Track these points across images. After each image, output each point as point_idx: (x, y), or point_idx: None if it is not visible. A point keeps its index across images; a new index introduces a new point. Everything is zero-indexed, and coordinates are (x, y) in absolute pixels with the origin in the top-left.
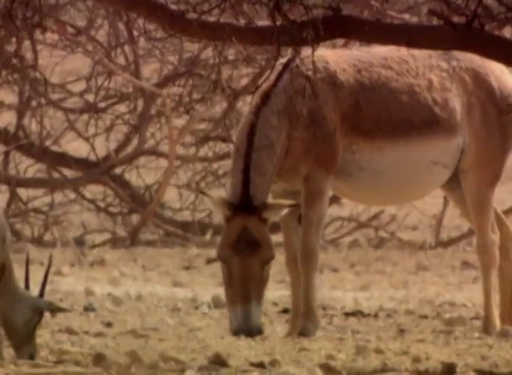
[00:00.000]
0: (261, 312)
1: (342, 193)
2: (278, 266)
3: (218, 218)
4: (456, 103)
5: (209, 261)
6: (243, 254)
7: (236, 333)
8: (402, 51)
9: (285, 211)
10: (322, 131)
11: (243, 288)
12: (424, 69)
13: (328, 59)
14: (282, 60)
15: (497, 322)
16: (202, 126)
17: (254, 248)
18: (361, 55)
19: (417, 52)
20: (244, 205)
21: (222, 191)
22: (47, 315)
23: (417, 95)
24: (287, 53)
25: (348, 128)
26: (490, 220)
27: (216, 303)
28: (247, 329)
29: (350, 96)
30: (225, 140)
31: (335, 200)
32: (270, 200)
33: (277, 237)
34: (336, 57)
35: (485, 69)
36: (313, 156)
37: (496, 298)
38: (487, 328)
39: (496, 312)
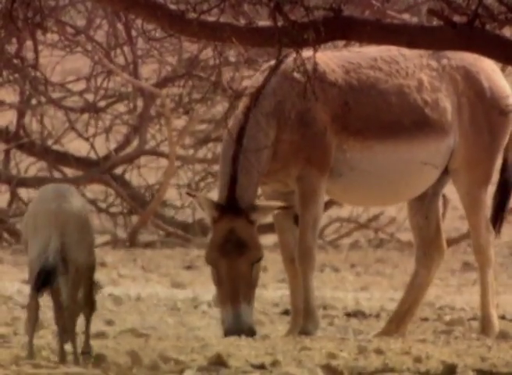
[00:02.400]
0: (252, 312)
1: (332, 193)
2: (278, 266)
3: None
4: (447, 103)
5: None
6: (231, 255)
7: (227, 334)
8: (392, 51)
9: (274, 212)
10: (312, 132)
11: (233, 289)
12: (415, 69)
13: (317, 60)
14: (271, 62)
15: (496, 322)
16: (202, 126)
17: (242, 249)
18: (351, 56)
19: (407, 52)
20: (231, 207)
21: None
22: (47, 316)
23: (406, 96)
24: (288, 54)
25: (338, 128)
26: (484, 220)
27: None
28: (239, 329)
29: (339, 96)
30: None
31: (334, 201)
32: (260, 201)
33: (276, 238)
34: (326, 58)
35: (476, 68)
36: (304, 157)
37: (494, 298)
38: (485, 329)
39: (494, 313)
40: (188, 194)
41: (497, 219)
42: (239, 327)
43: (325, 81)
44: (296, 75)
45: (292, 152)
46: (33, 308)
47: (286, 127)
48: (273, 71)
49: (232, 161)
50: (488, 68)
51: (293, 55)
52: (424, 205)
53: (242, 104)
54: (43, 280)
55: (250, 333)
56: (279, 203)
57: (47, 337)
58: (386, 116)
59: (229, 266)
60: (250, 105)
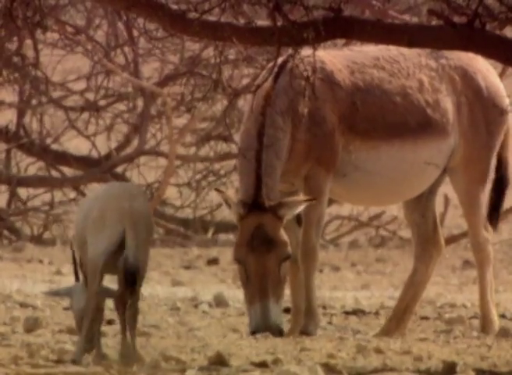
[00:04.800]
0: (281, 311)
1: (334, 194)
2: None
3: (220, 216)
4: (448, 103)
5: (210, 261)
6: (259, 252)
7: (255, 331)
8: (392, 51)
9: (301, 207)
10: (322, 132)
11: (261, 286)
12: (414, 69)
13: (324, 60)
14: (279, 60)
15: (495, 320)
16: (203, 125)
17: (270, 245)
18: (354, 55)
19: (406, 51)
20: (258, 204)
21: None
22: (46, 314)
23: (409, 96)
24: (287, 53)
25: (345, 128)
26: (482, 219)
27: (218, 302)
28: (267, 327)
29: (347, 96)
30: (226, 139)
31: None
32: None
33: None
34: (331, 57)
35: (473, 68)
36: (314, 157)
37: (493, 297)
38: (485, 326)
39: (493, 311)
40: (216, 190)
41: (493, 216)
42: (267, 325)
43: (332, 81)
44: (304, 74)
45: (304, 151)
46: (100, 310)
47: (300, 126)
48: (280, 70)
49: (255, 160)
50: (483, 68)
51: (297, 54)
52: (421, 204)
53: (250, 103)
54: (130, 282)
55: (278, 332)
56: (304, 197)
57: (45, 335)
58: (392, 117)
59: (258, 262)
60: (266, 105)
